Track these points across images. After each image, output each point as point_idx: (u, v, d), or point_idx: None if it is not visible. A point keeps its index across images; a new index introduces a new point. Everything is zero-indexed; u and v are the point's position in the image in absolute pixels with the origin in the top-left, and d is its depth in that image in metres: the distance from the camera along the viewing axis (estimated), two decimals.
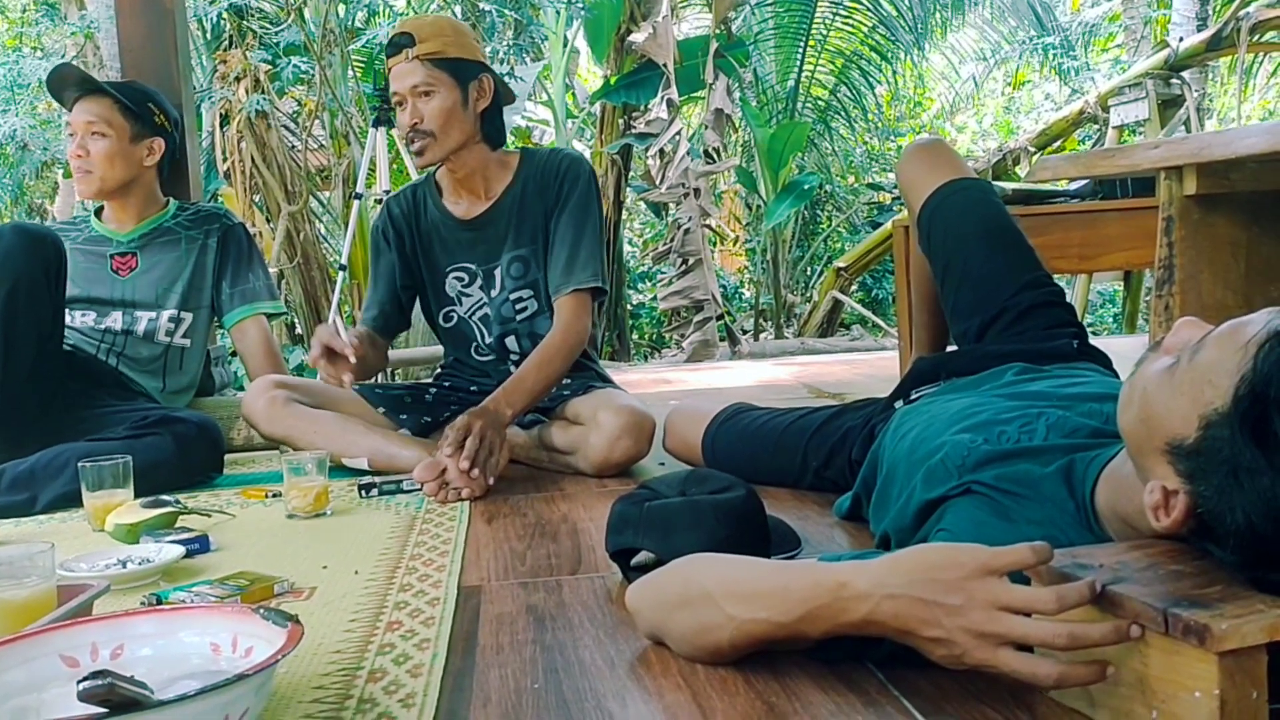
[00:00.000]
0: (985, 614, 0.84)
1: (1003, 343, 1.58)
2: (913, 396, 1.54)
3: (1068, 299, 1.70)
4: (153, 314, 2.43)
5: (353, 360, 1.95)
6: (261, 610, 0.98)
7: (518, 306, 2.25)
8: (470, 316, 2.28)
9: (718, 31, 7.21)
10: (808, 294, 9.58)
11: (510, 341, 2.27)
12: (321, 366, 1.98)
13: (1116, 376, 1.46)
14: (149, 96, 2.50)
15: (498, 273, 2.24)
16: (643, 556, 1.32)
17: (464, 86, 2.12)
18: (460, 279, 2.27)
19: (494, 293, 2.25)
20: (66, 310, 2.22)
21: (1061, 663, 0.84)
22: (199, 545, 1.58)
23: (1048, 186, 2.97)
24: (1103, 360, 1.54)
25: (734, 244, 10.54)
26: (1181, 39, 6.71)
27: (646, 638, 1.11)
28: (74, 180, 2.45)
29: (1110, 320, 9.38)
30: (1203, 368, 0.86)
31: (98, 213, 2.56)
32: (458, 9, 5.89)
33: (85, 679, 0.75)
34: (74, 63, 6.58)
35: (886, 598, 0.89)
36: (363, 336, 2.09)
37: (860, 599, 0.91)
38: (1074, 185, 2.92)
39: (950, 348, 1.91)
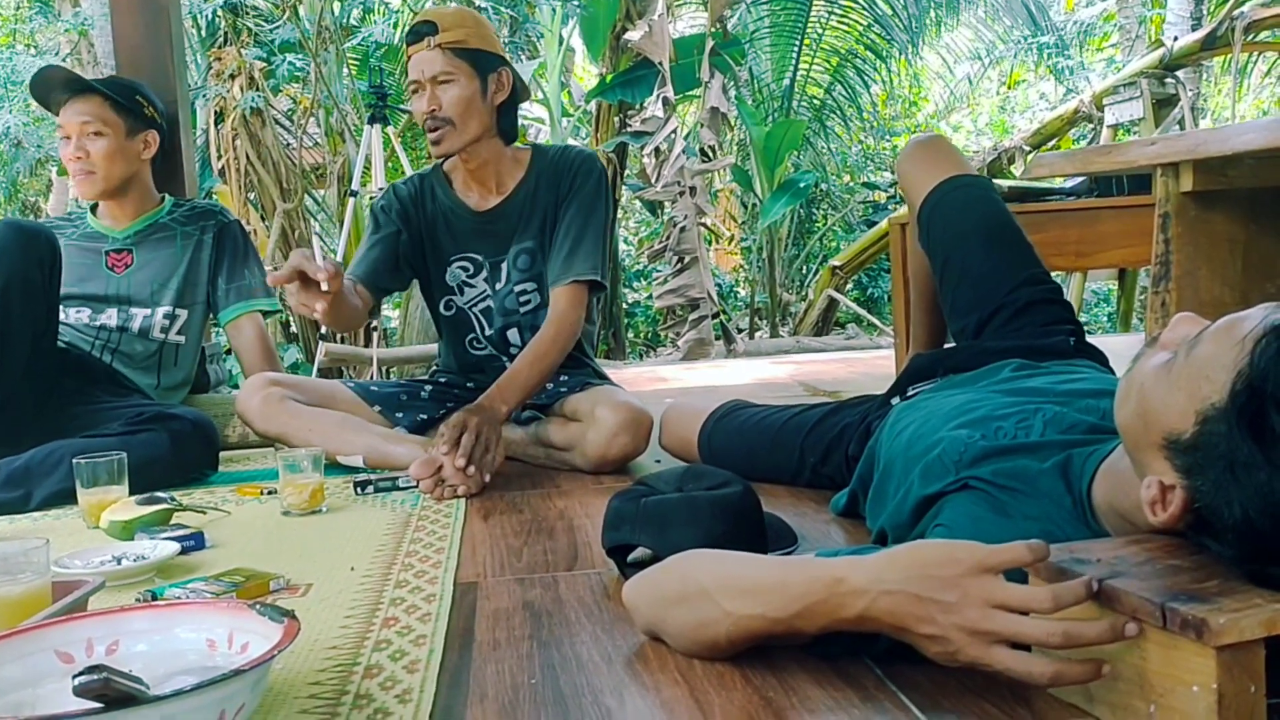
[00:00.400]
0: (979, 611, 0.84)
1: (1000, 339, 1.58)
2: (910, 393, 1.54)
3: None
4: (148, 311, 2.43)
5: (325, 288, 1.77)
6: (258, 606, 0.98)
7: (521, 299, 2.24)
8: (471, 307, 2.28)
9: (713, 30, 7.21)
10: (803, 292, 9.58)
11: (512, 334, 2.27)
12: (291, 292, 1.80)
13: (1113, 373, 1.46)
14: (136, 89, 2.49)
15: (504, 266, 2.24)
16: (639, 553, 1.32)
17: (483, 78, 2.12)
18: (465, 268, 2.26)
19: (499, 285, 2.25)
20: (61, 307, 2.22)
21: (1057, 661, 0.84)
22: (194, 542, 1.58)
23: (1044, 184, 2.97)
24: (1099, 358, 1.54)
25: (729, 242, 10.54)
26: (1176, 38, 6.73)
27: (644, 633, 1.11)
28: (74, 183, 2.43)
29: (1104, 319, 9.40)
30: (1200, 363, 0.86)
31: (93, 209, 2.55)
32: (454, 5, 5.88)
33: (81, 673, 0.75)
34: (67, 61, 6.57)
35: (883, 593, 0.89)
36: (341, 273, 1.84)
37: (856, 595, 0.91)
38: (1070, 183, 2.92)
39: (948, 345, 1.91)
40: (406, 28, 2.16)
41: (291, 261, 1.79)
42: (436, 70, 2.08)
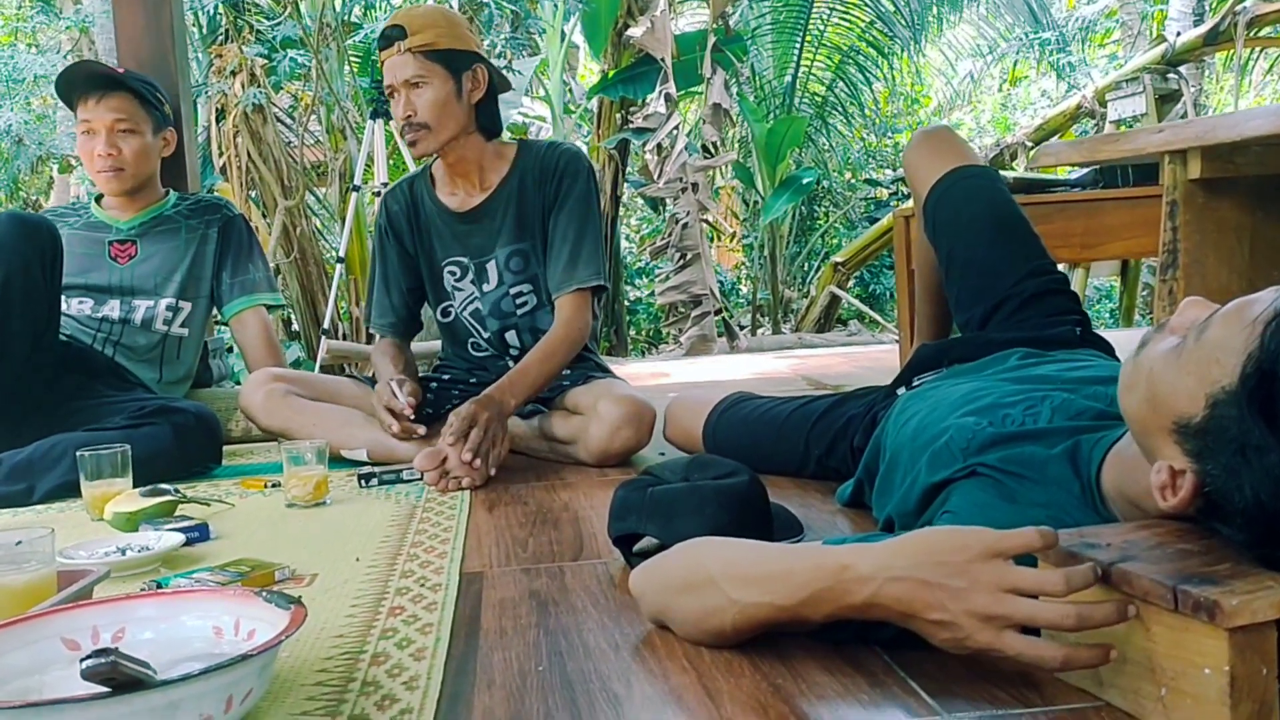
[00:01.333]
0: (991, 596, 0.84)
1: (1006, 330, 1.57)
2: (915, 383, 1.53)
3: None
4: (150, 302, 2.42)
5: (410, 414, 2.06)
6: (264, 593, 0.98)
7: (518, 301, 2.23)
8: (462, 312, 2.27)
9: (715, 26, 7.20)
10: (805, 289, 9.58)
11: (510, 336, 2.25)
12: (400, 429, 2.06)
13: (1120, 361, 1.45)
14: (155, 87, 2.50)
15: (490, 266, 2.22)
16: (646, 542, 1.32)
17: (457, 78, 2.11)
18: (453, 273, 2.25)
19: (486, 287, 2.23)
20: (63, 297, 2.21)
21: (1066, 646, 0.83)
22: (198, 533, 1.58)
23: (1048, 175, 2.97)
24: (1105, 347, 1.54)
25: (731, 239, 10.53)
26: (1179, 34, 6.72)
27: (650, 621, 1.10)
28: (98, 178, 2.41)
29: (1107, 315, 9.39)
30: (1210, 346, 0.85)
31: (97, 199, 2.55)
32: (454, 1, 5.87)
33: (88, 657, 0.74)
34: (67, 59, 6.57)
35: (890, 580, 0.89)
36: (402, 381, 2.12)
37: (863, 582, 0.90)
38: (1075, 174, 2.92)
39: (953, 336, 1.91)
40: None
41: (383, 406, 2.08)
42: (409, 74, 2.06)
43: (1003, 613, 0.84)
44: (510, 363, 2.21)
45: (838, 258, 8.49)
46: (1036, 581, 0.83)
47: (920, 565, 0.88)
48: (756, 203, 9.15)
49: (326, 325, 4.81)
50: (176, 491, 1.74)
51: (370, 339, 4.74)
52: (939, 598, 0.86)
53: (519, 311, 2.24)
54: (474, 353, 2.31)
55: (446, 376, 2.34)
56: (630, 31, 7.04)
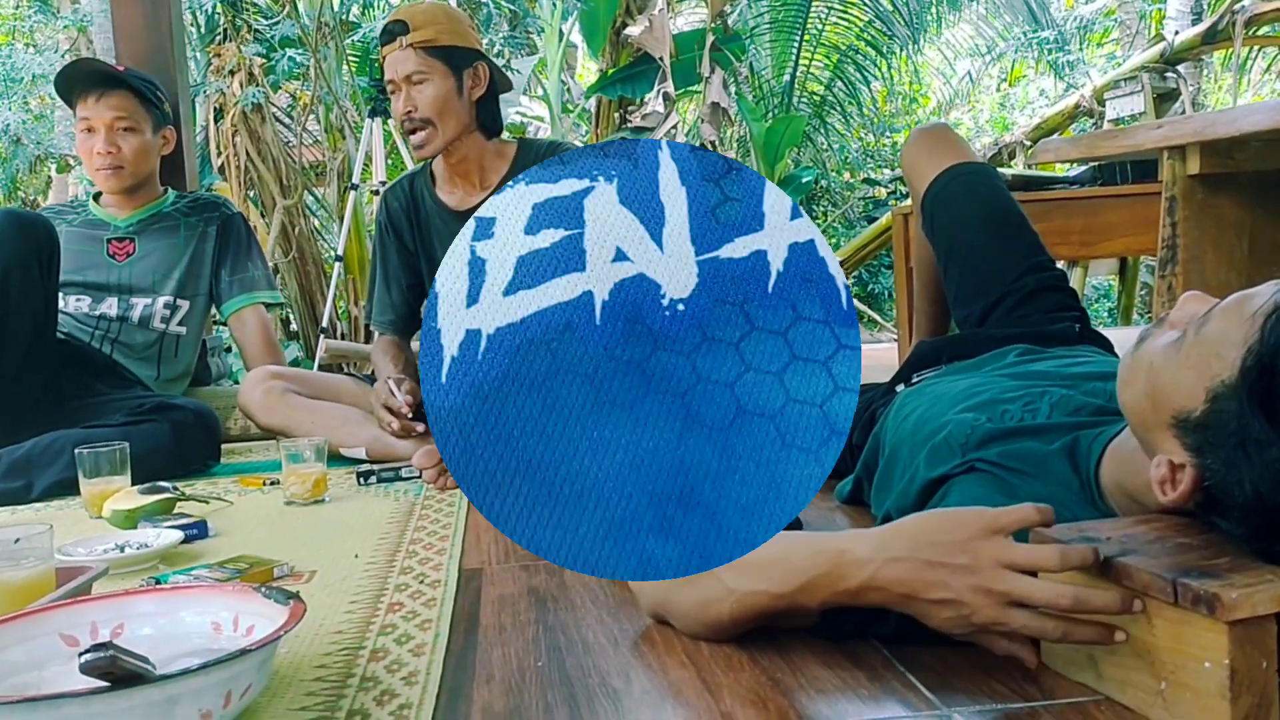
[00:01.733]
0: (993, 572, 0.85)
1: (1005, 327, 1.57)
2: (914, 379, 1.53)
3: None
4: (148, 299, 2.42)
5: (408, 413, 2.06)
6: (263, 589, 0.98)
7: None
8: None
9: (714, 25, 7.20)
10: None
11: None
12: (400, 429, 2.06)
13: (1118, 358, 1.45)
14: (155, 85, 2.50)
15: None
16: None
17: (458, 74, 2.11)
18: None
19: None
20: (60, 294, 2.21)
21: (1067, 619, 0.84)
22: (197, 531, 1.58)
23: (1047, 173, 2.97)
24: (1104, 343, 1.54)
25: None
26: (1177, 32, 6.72)
27: (649, 617, 1.10)
28: (97, 176, 2.41)
29: (1105, 314, 9.39)
30: (1209, 340, 0.85)
31: (95, 197, 2.54)
32: (453, 0, 5.86)
33: (87, 651, 0.74)
34: (65, 58, 6.57)
35: (889, 561, 0.89)
36: (400, 380, 2.10)
37: (860, 565, 0.90)
38: (1073, 171, 2.92)
39: (952, 333, 1.91)
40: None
41: (382, 404, 2.08)
42: (410, 70, 2.07)
43: (1004, 589, 0.84)
44: None
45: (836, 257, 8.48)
46: (1032, 556, 0.84)
47: (919, 546, 0.88)
48: None
49: (325, 324, 4.81)
50: (175, 489, 1.74)
51: (369, 339, 4.74)
52: (941, 576, 0.86)
53: None
54: None
55: None
56: (628, 30, 7.04)
